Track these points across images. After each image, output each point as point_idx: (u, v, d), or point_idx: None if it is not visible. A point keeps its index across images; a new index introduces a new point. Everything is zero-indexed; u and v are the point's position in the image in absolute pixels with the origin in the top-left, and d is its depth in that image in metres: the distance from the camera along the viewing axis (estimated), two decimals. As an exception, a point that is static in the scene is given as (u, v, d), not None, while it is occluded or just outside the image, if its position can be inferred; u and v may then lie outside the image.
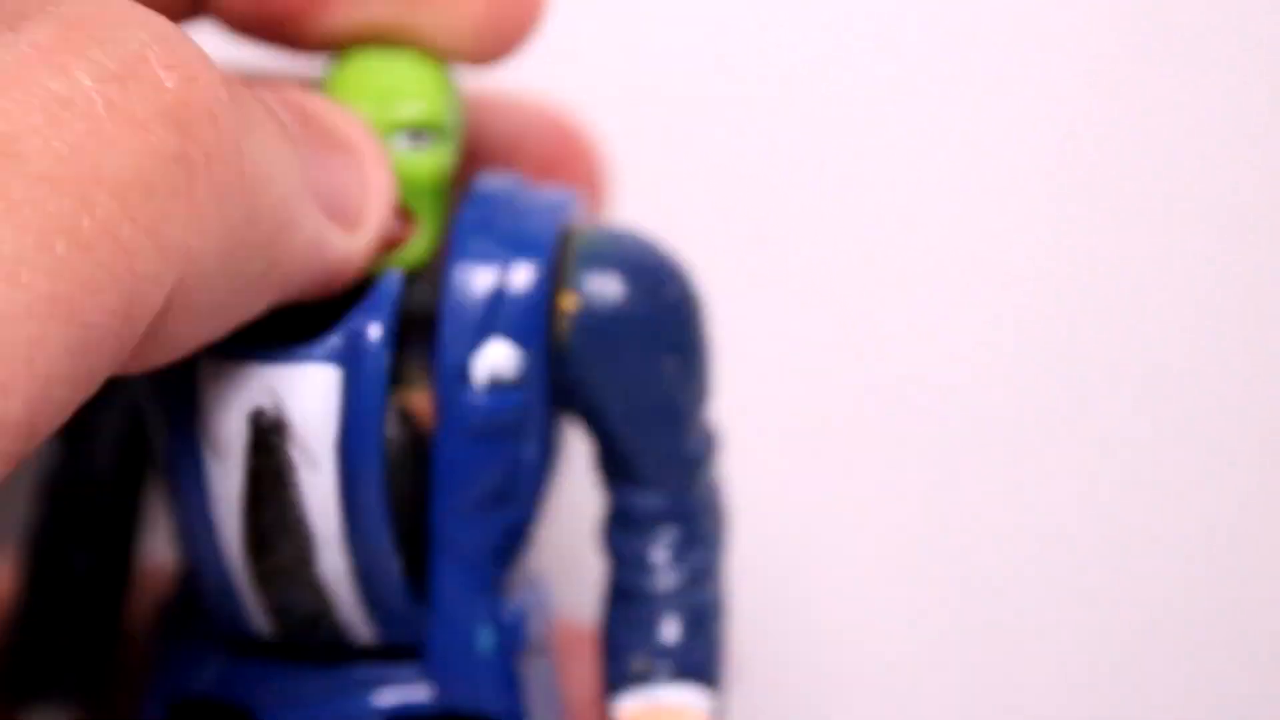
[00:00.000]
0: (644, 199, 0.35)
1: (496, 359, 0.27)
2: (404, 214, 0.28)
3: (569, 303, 0.28)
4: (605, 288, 0.28)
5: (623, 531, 0.29)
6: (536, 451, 0.28)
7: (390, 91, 0.28)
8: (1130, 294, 0.38)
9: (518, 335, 0.27)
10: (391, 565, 0.26)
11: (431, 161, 0.28)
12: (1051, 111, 0.38)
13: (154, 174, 0.22)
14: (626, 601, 0.28)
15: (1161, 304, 0.38)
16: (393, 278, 0.26)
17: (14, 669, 0.30)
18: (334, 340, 0.26)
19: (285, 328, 0.26)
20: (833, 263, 0.38)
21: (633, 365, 0.28)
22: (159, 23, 0.23)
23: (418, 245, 0.28)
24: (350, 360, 0.26)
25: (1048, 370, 0.38)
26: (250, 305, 0.25)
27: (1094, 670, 0.38)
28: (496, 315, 0.27)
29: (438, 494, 0.27)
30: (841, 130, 0.38)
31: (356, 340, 0.26)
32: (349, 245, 0.26)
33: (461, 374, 0.27)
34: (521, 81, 0.34)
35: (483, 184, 0.29)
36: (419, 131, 0.28)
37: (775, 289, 0.38)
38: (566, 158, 0.33)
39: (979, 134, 0.38)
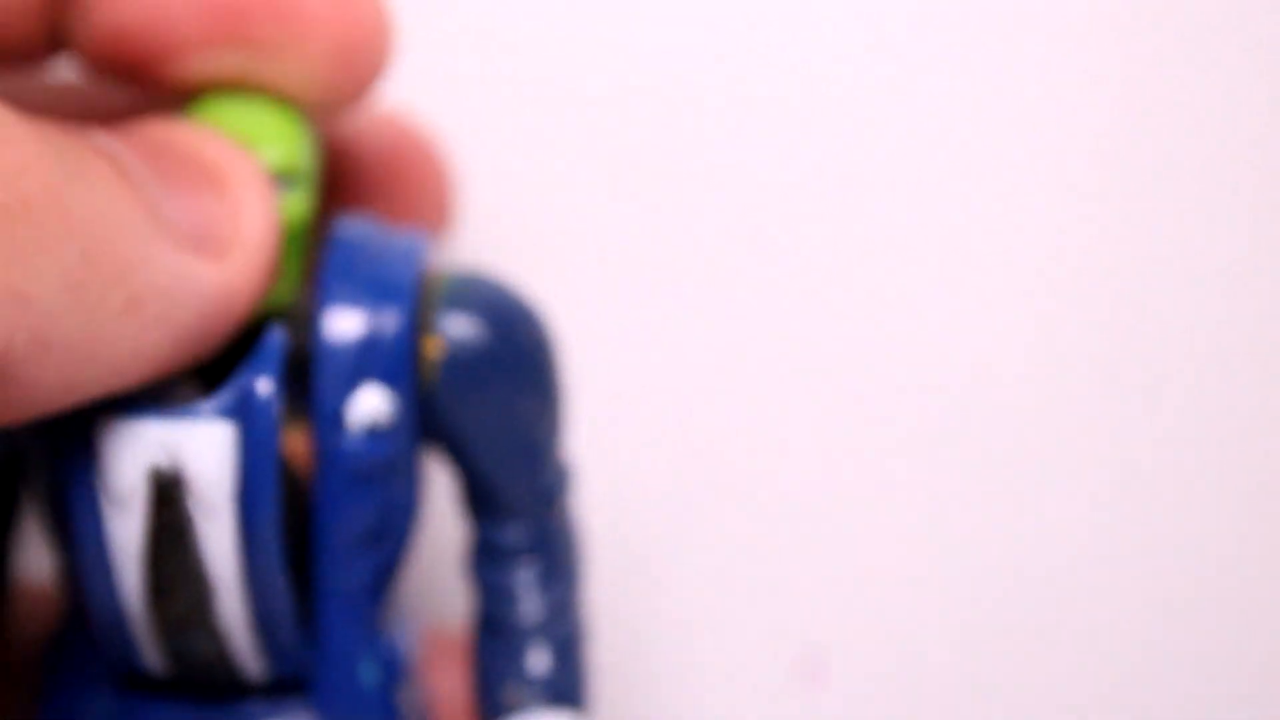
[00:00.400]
0: (643, 199, 0.36)
1: (370, 405, 0.29)
2: None
3: (433, 347, 0.29)
4: (467, 333, 0.29)
5: (488, 563, 0.30)
6: (408, 490, 0.29)
7: (246, 139, 0.29)
8: (1147, 293, 0.39)
9: (389, 380, 0.29)
10: (286, 607, 0.28)
11: (291, 208, 0.29)
12: (1059, 109, 0.39)
13: None
14: (495, 633, 0.30)
15: (1186, 303, 0.39)
16: (277, 332, 0.27)
17: None
18: (226, 397, 0.27)
19: (181, 385, 0.28)
20: (835, 264, 0.39)
21: (495, 405, 0.29)
22: None
23: (280, 289, 0.29)
24: (243, 415, 0.27)
25: (1060, 371, 0.39)
26: (124, 347, 0.25)
27: (1114, 676, 0.39)
28: (368, 361, 0.29)
29: (318, 536, 0.29)
30: (844, 129, 0.39)
31: (248, 396, 0.27)
32: (220, 275, 0.27)
33: (337, 420, 0.28)
34: (520, 81, 0.34)
35: (343, 229, 0.30)
36: (276, 178, 0.29)
37: (775, 288, 0.39)
38: (411, 165, 0.34)
39: (985, 133, 0.39)
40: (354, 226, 0.30)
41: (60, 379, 0.25)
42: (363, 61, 0.30)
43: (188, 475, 0.27)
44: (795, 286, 0.38)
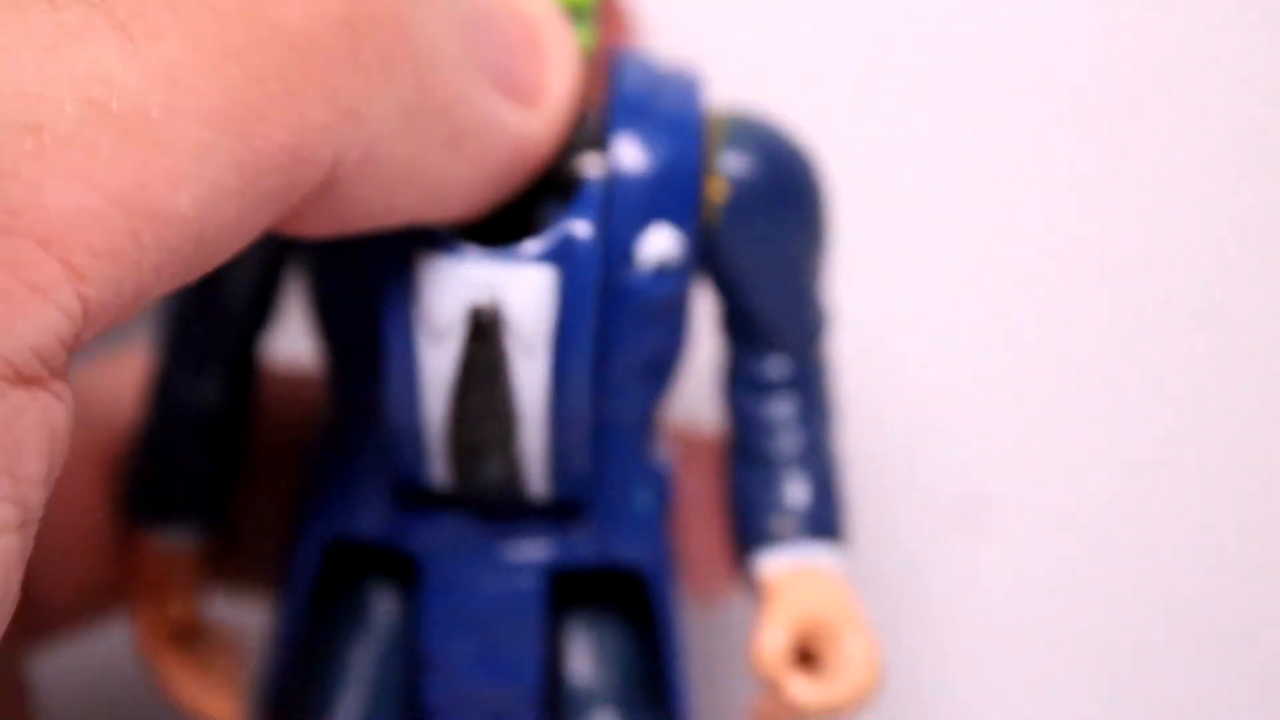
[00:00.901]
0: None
1: (661, 244, 0.29)
2: None
3: (718, 186, 0.29)
4: (749, 174, 0.29)
5: (747, 392, 0.31)
6: (683, 325, 0.30)
7: None
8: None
9: (677, 219, 0.29)
10: (583, 438, 0.29)
11: (581, 41, 0.29)
12: (1065, 108, 0.39)
13: (322, 32, 0.24)
14: (753, 463, 0.31)
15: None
16: (596, 179, 0.28)
17: (136, 493, 0.32)
18: (548, 241, 0.27)
19: (499, 228, 0.28)
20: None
21: (771, 243, 0.30)
22: None
23: None
24: (564, 259, 0.27)
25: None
26: (442, 179, 0.26)
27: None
28: (659, 200, 0.29)
29: (603, 368, 0.29)
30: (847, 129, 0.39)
31: (568, 241, 0.27)
32: (527, 122, 0.28)
33: (627, 257, 0.29)
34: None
35: (625, 63, 0.30)
36: (569, 11, 0.29)
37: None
38: None
39: (994, 133, 0.40)
40: (634, 61, 0.30)
41: (382, 200, 0.26)
42: None
43: (507, 314, 0.27)
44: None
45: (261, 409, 0.32)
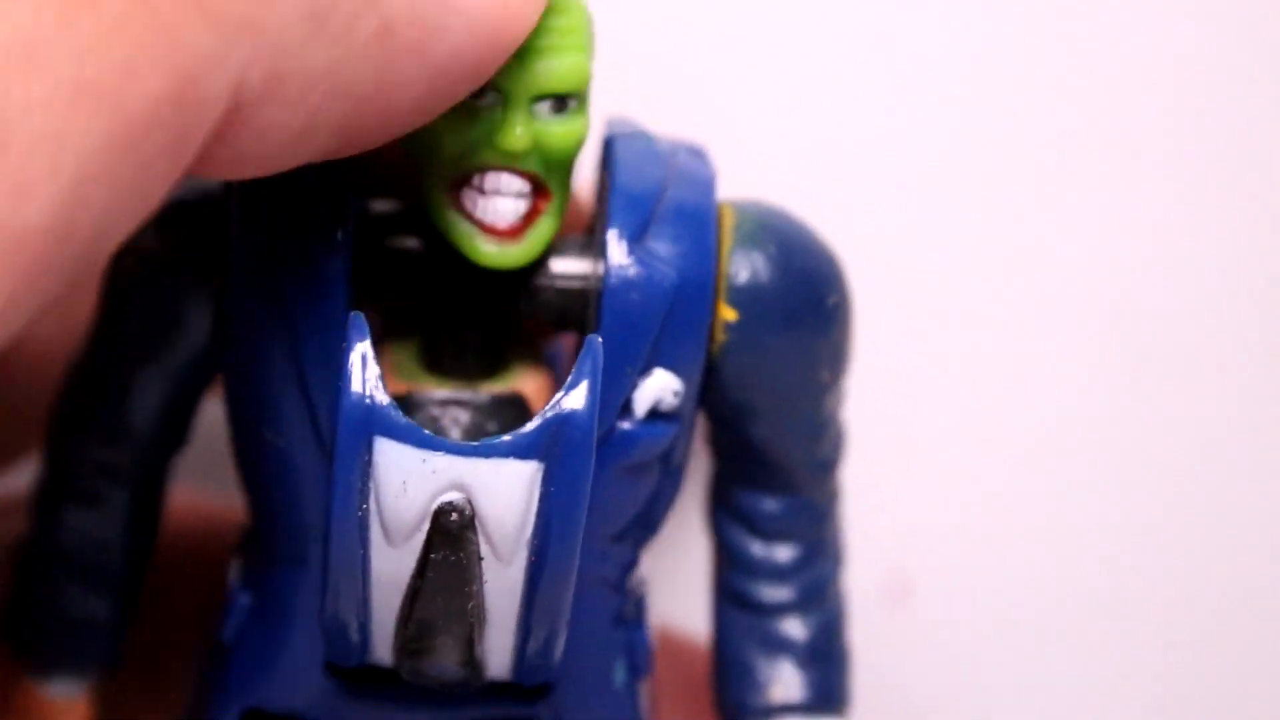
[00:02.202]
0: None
1: (659, 389, 0.25)
2: (539, 188, 0.25)
3: (726, 313, 0.25)
4: (762, 293, 0.25)
5: (743, 531, 0.27)
6: (676, 474, 0.26)
7: (533, 49, 0.24)
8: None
9: (679, 359, 0.25)
10: (561, 632, 0.25)
11: (575, 131, 0.25)
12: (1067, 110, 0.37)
13: None
14: (745, 610, 0.27)
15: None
16: (596, 346, 0.24)
17: (20, 635, 0.28)
18: (534, 431, 0.23)
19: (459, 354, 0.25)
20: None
21: (788, 376, 0.26)
22: None
23: (546, 226, 0.25)
24: (552, 453, 0.23)
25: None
26: (377, 83, 0.21)
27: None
28: (661, 343, 0.25)
29: (584, 534, 0.24)
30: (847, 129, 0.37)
31: (559, 431, 0.23)
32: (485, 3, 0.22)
33: (622, 406, 0.25)
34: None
35: (626, 152, 0.25)
36: (565, 98, 0.24)
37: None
38: None
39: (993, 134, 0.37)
40: (633, 148, 0.25)
41: (300, 121, 0.21)
42: None
43: (480, 513, 0.23)
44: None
45: (167, 542, 0.28)
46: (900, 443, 0.37)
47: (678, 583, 0.31)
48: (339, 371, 0.23)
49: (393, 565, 0.24)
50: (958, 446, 0.38)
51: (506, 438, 0.23)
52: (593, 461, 0.23)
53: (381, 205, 0.26)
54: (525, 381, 0.26)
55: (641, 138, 0.26)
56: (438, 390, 0.25)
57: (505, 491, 0.23)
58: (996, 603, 0.38)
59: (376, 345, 0.24)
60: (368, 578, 0.24)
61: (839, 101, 0.37)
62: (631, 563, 0.26)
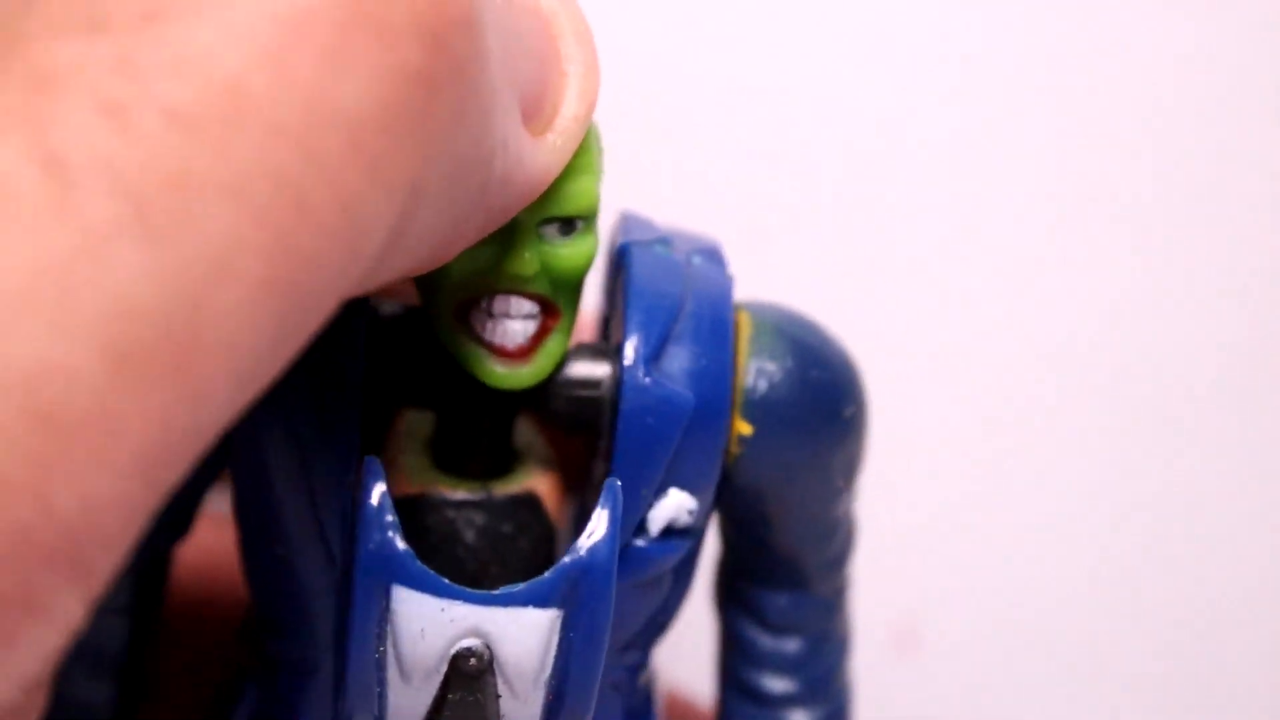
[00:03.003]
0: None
1: (674, 509, 0.25)
2: (548, 307, 0.25)
3: (742, 426, 0.25)
4: (780, 405, 0.25)
5: (752, 623, 0.27)
6: (686, 580, 0.26)
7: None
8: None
9: (695, 481, 0.25)
10: None
11: (584, 252, 0.24)
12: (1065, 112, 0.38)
13: (391, 100, 0.18)
14: (752, 700, 0.27)
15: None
16: (615, 490, 0.23)
17: None
18: (553, 580, 0.23)
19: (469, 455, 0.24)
20: (839, 266, 0.38)
21: (802, 485, 0.26)
22: None
23: (556, 344, 0.25)
24: (571, 600, 0.23)
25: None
26: (453, 234, 0.21)
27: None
28: (676, 464, 0.24)
29: None
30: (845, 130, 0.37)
31: (579, 580, 0.23)
32: (543, 157, 0.22)
33: (637, 525, 0.25)
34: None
35: (642, 263, 0.25)
36: (573, 220, 0.24)
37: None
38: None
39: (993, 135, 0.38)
40: (648, 261, 0.25)
41: (399, 269, 0.20)
42: None
43: (500, 659, 0.23)
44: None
45: (170, 630, 0.28)
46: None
47: (683, 645, 0.31)
48: (354, 507, 0.23)
49: (410, 701, 0.24)
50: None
51: (524, 586, 0.23)
52: (612, 607, 0.23)
53: (389, 306, 0.26)
54: (538, 480, 0.26)
55: (657, 245, 0.26)
56: (451, 492, 0.25)
57: (524, 639, 0.23)
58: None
59: (385, 450, 0.23)
60: (384, 714, 0.24)
61: (839, 100, 0.37)
62: (641, 664, 0.26)
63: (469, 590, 0.23)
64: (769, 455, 0.25)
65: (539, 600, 0.23)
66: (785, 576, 0.27)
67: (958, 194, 0.37)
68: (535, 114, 0.22)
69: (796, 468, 0.25)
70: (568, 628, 0.23)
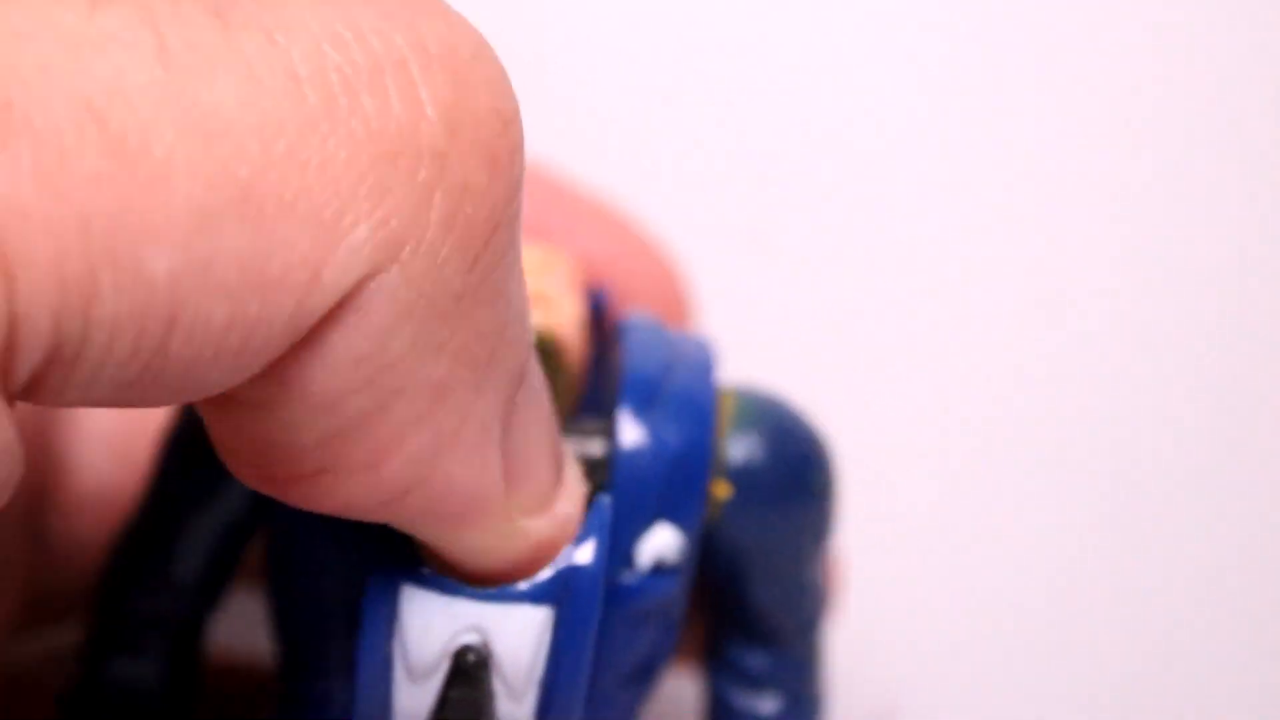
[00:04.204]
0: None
1: (662, 544, 0.27)
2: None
3: (722, 488, 0.27)
4: (758, 470, 0.28)
5: (730, 681, 0.29)
6: (675, 625, 0.28)
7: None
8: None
9: (681, 516, 0.27)
10: None
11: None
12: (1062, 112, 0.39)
13: None
14: None
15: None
16: (604, 505, 0.26)
17: None
18: (547, 580, 0.25)
19: None
20: (833, 265, 0.39)
21: (777, 546, 0.28)
22: None
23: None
24: (562, 598, 0.25)
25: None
26: None
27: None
28: (665, 498, 0.27)
29: (591, 678, 0.26)
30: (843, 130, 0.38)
31: (570, 580, 0.25)
32: (534, 529, 0.25)
33: (626, 558, 0.27)
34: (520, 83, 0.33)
35: (636, 336, 0.28)
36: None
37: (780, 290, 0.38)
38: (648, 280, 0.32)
39: (991, 135, 0.39)
40: (642, 333, 0.28)
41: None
42: None
43: (497, 656, 0.25)
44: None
45: (204, 697, 0.30)
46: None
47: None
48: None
49: (414, 702, 0.26)
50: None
51: (523, 584, 0.25)
52: (598, 608, 0.25)
53: None
54: None
55: (652, 325, 0.28)
56: None
57: (519, 634, 0.25)
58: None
59: None
60: (391, 713, 0.26)
61: (839, 100, 0.38)
62: (634, 706, 0.28)
63: (471, 588, 0.25)
64: (746, 517, 0.28)
65: (534, 598, 0.25)
66: (761, 634, 0.29)
67: (957, 194, 0.39)
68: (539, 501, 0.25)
69: (770, 529, 0.28)
70: (558, 625, 0.25)
